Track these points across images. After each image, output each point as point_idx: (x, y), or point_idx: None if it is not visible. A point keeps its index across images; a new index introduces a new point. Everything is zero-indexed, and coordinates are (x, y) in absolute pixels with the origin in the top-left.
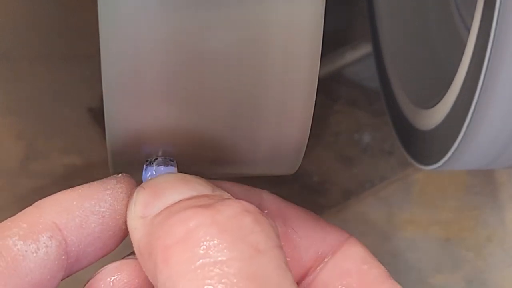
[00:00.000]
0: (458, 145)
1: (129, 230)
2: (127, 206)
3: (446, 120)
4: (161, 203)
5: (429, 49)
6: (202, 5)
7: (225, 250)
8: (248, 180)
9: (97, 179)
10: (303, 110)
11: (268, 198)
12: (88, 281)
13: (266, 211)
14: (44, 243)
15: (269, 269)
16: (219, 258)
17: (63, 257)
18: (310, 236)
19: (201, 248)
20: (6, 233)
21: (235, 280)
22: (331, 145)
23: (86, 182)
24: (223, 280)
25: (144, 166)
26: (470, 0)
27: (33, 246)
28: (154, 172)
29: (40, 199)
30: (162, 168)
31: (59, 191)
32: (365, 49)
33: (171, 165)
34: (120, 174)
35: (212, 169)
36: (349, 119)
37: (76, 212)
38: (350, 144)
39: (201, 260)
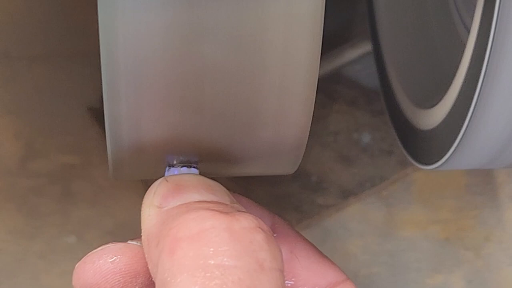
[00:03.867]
0: (458, 145)
1: (141, 217)
2: None
3: (446, 120)
4: (181, 198)
5: (429, 49)
6: (201, 4)
7: (232, 258)
8: (248, 180)
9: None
10: (302, 109)
11: (280, 223)
12: (88, 255)
13: (275, 235)
14: None
15: (266, 287)
16: (224, 263)
17: None
18: (312, 269)
19: (210, 249)
20: None
21: None
22: (331, 144)
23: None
24: (221, 285)
25: (167, 167)
26: (470, 0)
27: None
28: (176, 172)
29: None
30: (185, 169)
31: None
32: (365, 47)
33: (194, 168)
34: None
35: (212, 169)
36: (348, 119)
37: None
38: (349, 143)
39: (206, 261)
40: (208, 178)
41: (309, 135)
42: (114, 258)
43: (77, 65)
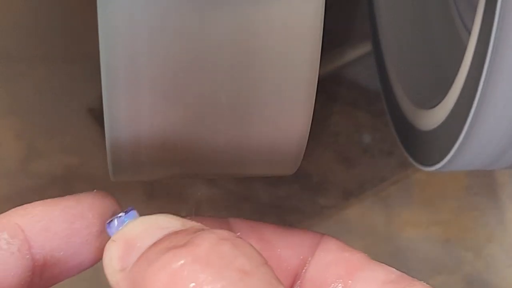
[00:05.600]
0: (459, 146)
1: (111, 286)
2: (99, 216)
3: (447, 120)
4: (136, 251)
5: (430, 50)
6: (201, 5)
7: (214, 281)
8: (249, 181)
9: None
10: (303, 110)
11: (236, 222)
12: None
13: (238, 233)
14: (5, 240)
15: (261, 287)
16: None
17: (27, 256)
18: (289, 244)
19: (191, 286)
20: None
21: None
22: (331, 145)
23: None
24: None
25: (107, 225)
26: (471, 1)
27: None
28: (116, 223)
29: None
30: (123, 216)
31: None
32: (365, 48)
33: (131, 209)
34: (95, 190)
35: (213, 170)
36: (349, 120)
37: (39, 216)
38: (350, 144)
39: None
40: (149, 215)
41: (309, 136)
42: None
43: (77, 66)
